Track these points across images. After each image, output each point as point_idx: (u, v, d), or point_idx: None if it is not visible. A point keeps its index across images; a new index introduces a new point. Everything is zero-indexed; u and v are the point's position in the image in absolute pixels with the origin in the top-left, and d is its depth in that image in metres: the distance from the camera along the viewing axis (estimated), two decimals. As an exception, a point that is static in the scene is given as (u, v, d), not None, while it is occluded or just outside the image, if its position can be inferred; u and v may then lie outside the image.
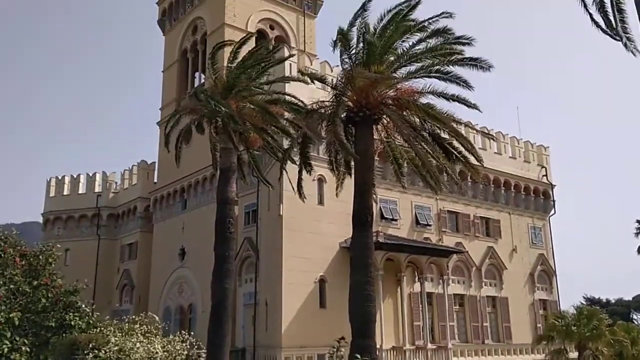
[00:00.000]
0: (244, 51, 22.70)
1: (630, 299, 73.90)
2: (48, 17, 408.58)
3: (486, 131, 38.31)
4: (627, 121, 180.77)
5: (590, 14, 10.38)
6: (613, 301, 73.26)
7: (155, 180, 43.85)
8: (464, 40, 17.84)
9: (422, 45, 18.31)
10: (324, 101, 19.09)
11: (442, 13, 17.87)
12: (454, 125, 18.60)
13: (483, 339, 35.59)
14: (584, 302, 58.14)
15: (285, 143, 22.25)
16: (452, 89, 17.98)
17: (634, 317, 69.27)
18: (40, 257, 18.20)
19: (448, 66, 17.86)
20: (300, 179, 20.16)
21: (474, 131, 23.95)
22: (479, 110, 17.74)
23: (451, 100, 17.90)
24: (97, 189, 47.73)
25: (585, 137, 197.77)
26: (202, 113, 21.41)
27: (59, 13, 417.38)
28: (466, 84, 17.61)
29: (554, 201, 42.80)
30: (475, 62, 17.61)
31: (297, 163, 20.24)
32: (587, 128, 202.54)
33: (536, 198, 41.99)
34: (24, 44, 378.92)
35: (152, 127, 38.19)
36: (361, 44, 18.46)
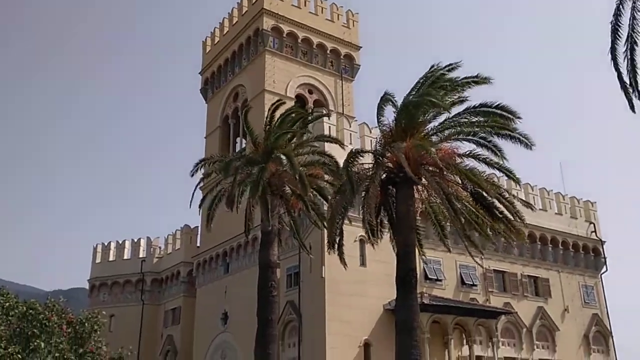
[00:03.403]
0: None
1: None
2: (96, 83, 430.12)
3: (530, 187, 37.89)
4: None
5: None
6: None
7: (198, 245, 44.35)
8: (507, 115, 17.82)
9: (462, 108, 18.45)
10: (363, 163, 19.17)
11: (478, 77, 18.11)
12: (496, 186, 18.47)
13: (538, 406, 33.74)
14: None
15: (325, 205, 22.28)
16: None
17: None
18: (86, 324, 18.33)
19: (490, 136, 17.99)
20: (341, 243, 19.89)
21: (516, 189, 23.52)
22: (519, 183, 18.51)
23: (493, 168, 18.05)
24: (142, 254, 48.52)
25: (634, 188, 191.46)
26: (240, 178, 21.78)
27: (107, 79, 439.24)
28: (502, 155, 17.72)
29: (605, 258, 41.17)
30: (518, 137, 17.69)
31: (338, 226, 20.04)
32: (635, 179, 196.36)
33: (586, 255, 40.53)
34: (72, 113, 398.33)
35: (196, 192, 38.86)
36: (401, 110, 18.54)
